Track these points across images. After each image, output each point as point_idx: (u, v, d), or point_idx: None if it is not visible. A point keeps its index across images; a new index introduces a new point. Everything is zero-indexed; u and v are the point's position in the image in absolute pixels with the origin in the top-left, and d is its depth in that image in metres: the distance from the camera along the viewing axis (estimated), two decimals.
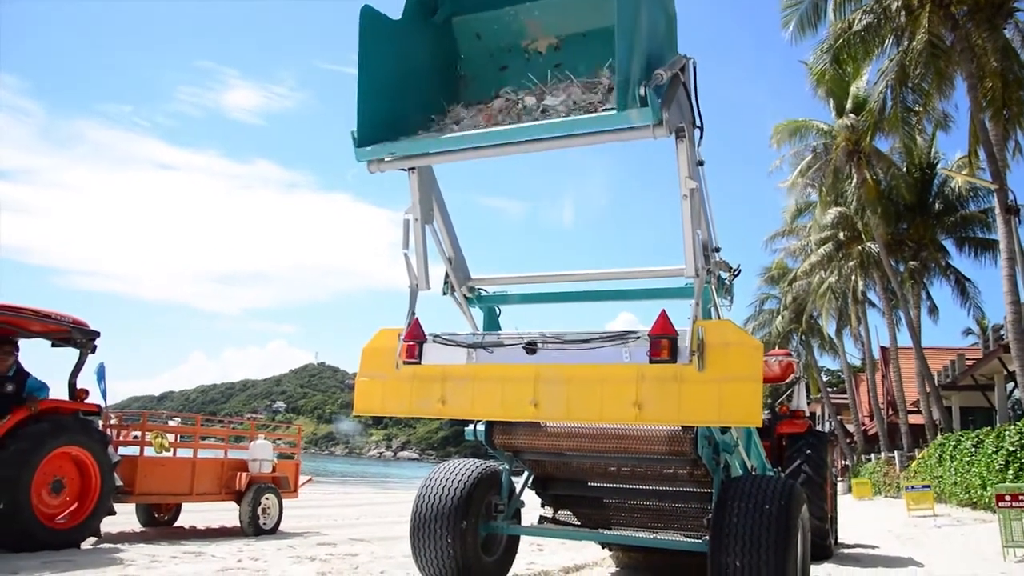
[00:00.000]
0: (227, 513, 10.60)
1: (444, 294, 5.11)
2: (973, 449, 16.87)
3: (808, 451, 9.13)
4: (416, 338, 4.46)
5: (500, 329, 5.16)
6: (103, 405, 8.63)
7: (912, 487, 17.84)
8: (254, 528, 9.57)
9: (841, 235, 32.84)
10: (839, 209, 31.01)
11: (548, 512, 6.04)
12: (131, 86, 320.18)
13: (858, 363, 45.84)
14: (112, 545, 7.76)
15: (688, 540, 5.20)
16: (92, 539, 7.81)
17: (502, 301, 5.35)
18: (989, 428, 17.59)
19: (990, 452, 15.49)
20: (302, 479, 11.78)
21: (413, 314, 4.60)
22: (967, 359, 28.09)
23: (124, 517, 9.37)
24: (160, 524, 9.88)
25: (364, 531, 10.80)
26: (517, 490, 5.79)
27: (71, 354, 8.00)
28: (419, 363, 4.44)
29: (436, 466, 5.83)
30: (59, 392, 7.72)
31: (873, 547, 10.63)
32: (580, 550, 8.11)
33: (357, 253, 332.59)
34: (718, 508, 4.51)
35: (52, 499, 7.21)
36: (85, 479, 7.47)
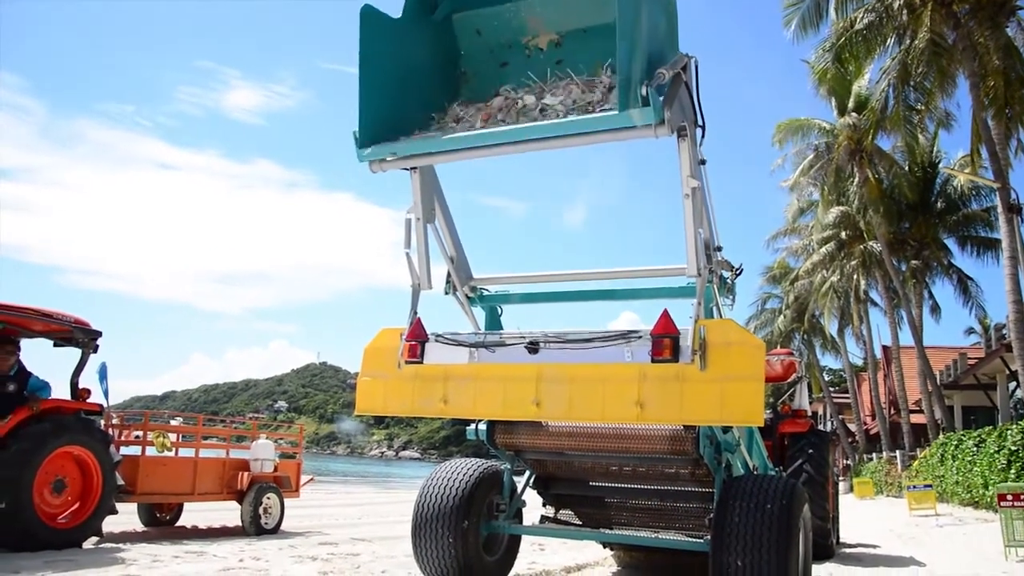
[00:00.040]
0: (229, 513, 10.60)
1: (446, 293, 5.11)
2: (975, 448, 16.85)
3: (810, 450, 9.12)
4: (418, 337, 4.46)
5: (502, 329, 5.16)
6: (105, 405, 8.64)
7: (914, 486, 17.82)
8: (256, 528, 9.57)
9: (843, 234, 32.81)
10: (841, 208, 30.97)
11: (549, 512, 6.03)
12: (132, 86, 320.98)
13: (860, 362, 45.92)
14: (114, 545, 7.76)
15: (690, 540, 5.19)
16: (94, 539, 7.81)
17: (504, 300, 5.35)
18: (991, 427, 17.56)
19: (992, 451, 15.48)
20: (304, 479, 11.78)
21: (415, 313, 4.59)
22: (969, 358, 28.05)
23: (126, 517, 9.38)
24: (162, 524, 9.89)
25: (366, 531, 10.80)
26: (519, 490, 5.79)
27: (73, 354, 8.01)
28: (421, 363, 4.44)
29: (438, 466, 5.83)
30: (61, 392, 7.74)
31: (875, 546, 10.62)
32: (581, 549, 8.11)
33: (359, 253, 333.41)
34: (720, 507, 4.51)
35: (54, 499, 7.22)
36: (87, 479, 7.48)
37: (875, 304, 37.29)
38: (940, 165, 30.40)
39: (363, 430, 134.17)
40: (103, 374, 8.91)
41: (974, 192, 29.23)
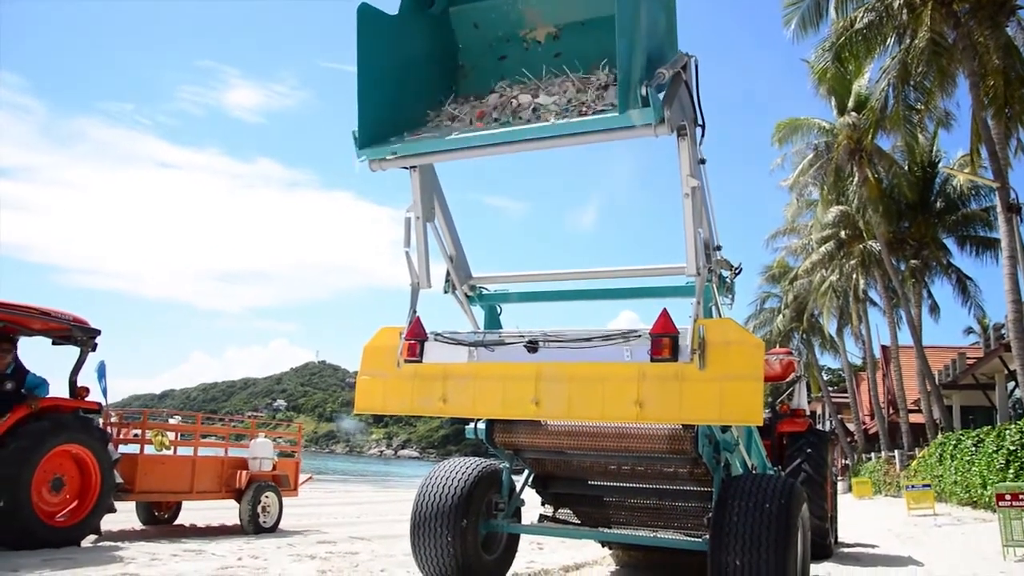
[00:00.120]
0: (227, 511, 10.59)
1: (445, 292, 5.11)
2: (974, 448, 16.87)
3: (809, 450, 9.12)
4: (417, 336, 4.46)
5: (501, 328, 5.16)
6: (104, 403, 8.63)
7: (912, 486, 17.83)
8: (254, 526, 9.58)
9: (842, 233, 32.83)
10: (840, 207, 30.98)
11: (548, 511, 6.04)
12: (132, 85, 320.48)
13: (859, 362, 45.92)
14: (112, 543, 7.76)
15: (688, 539, 5.20)
16: (92, 537, 7.80)
17: (503, 300, 5.35)
18: (990, 427, 17.58)
19: (990, 451, 15.49)
20: (302, 477, 11.78)
21: (414, 312, 4.59)
22: (968, 358, 28.08)
23: (124, 515, 9.38)
24: (160, 522, 9.88)
25: (364, 529, 10.80)
26: (517, 488, 5.79)
27: (72, 352, 8.01)
28: (420, 361, 4.43)
29: (436, 464, 5.83)
30: (59, 390, 7.73)
31: (873, 546, 10.63)
32: (580, 548, 8.11)
33: (358, 251, 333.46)
34: (718, 507, 4.51)
35: (52, 497, 7.21)
36: (85, 477, 7.48)
37: (874, 304, 37.36)
38: (940, 165, 30.41)
39: (362, 429, 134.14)
40: (102, 372, 8.91)
41: (973, 192, 29.25)
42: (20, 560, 6.17)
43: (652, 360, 3.87)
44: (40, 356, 8.66)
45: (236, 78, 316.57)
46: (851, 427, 42.16)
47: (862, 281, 33.80)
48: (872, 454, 35.87)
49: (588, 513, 5.94)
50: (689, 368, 3.79)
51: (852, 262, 32.61)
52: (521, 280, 5.31)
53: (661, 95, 3.62)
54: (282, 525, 10.17)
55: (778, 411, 10.04)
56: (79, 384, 7.95)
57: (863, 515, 18.10)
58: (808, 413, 10.50)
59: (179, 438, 10.12)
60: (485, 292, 5.27)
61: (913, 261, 31.11)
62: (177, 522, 10.11)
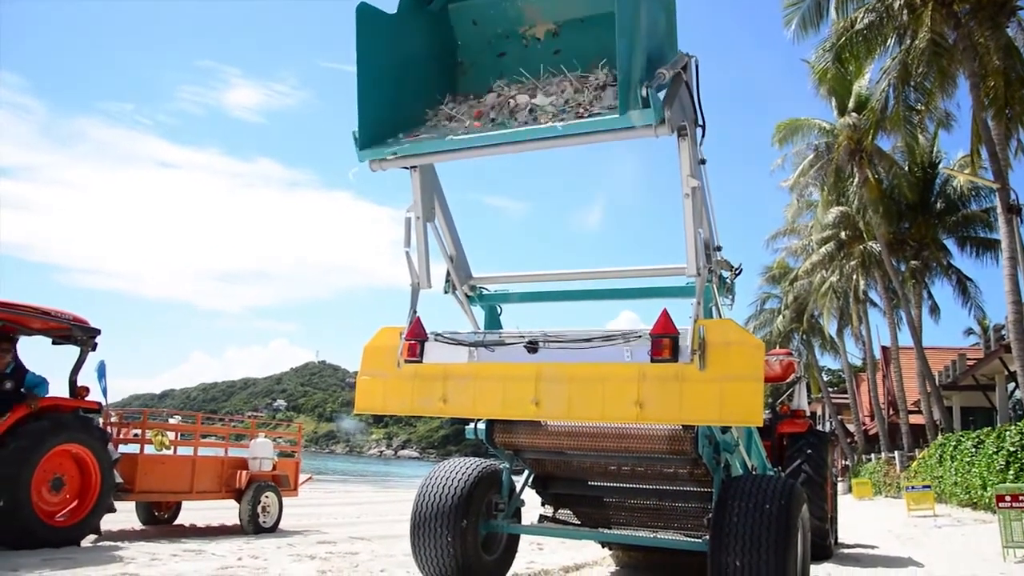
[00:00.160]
0: (227, 511, 10.59)
1: (445, 292, 5.10)
2: (974, 449, 16.86)
3: (809, 451, 9.13)
4: (417, 336, 4.46)
5: (501, 328, 5.16)
6: (103, 403, 8.63)
7: (912, 487, 17.84)
8: (254, 526, 9.58)
9: (842, 234, 32.83)
10: (841, 208, 30.99)
11: (548, 511, 6.04)
12: (132, 85, 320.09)
13: (859, 363, 45.87)
14: (112, 543, 7.76)
15: (688, 539, 5.20)
16: (92, 537, 7.80)
17: (503, 300, 5.34)
18: (990, 428, 17.58)
19: (991, 452, 15.48)
20: (302, 477, 11.78)
21: (414, 312, 4.59)
22: (968, 359, 28.04)
23: (124, 515, 9.38)
24: (160, 522, 9.88)
25: (364, 529, 10.80)
26: (517, 489, 5.79)
27: (72, 352, 8.01)
28: (420, 362, 4.43)
29: (436, 465, 5.83)
30: (59, 390, 7.73)
31: (873, 547, 10.63)
32: (580, 549, 8.11)
33: (359, 251, 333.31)
34: (718, 507, 4.51)
35: (52, 496, 7.21)
36: (85, 477, 7.47)
37: (874, 304, 37.36)
38: (940, 165, 30.42)
39: (362, 429, 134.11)
40: (102, 372, 8.91)
41: (974, 193, 29.25)
42: (20, 560, 6.17)
43: (652, 361, 3.87)
44: (40, 356, 8.67)
45: (236, 78, 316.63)
46: (851, 428, 42.14)
47: (862, 282, 33.80)
48: (872, 455, 35.86)
49: (588, 513, 5.94)
50: (689, 369, 3.79)
51: (852, 263, 32.61)
52: (521, 280, 5.30)
53: (661, 95, 3.62)
54: (282, 525, 10.17)
55: (778, 412, 10.04)
56: (79, 384, 7.95)
57: (863, 516, 18.10)
58: (808, 414, 10.50)
59: (179, 438, 10.12)
60: (485, 292, 5.27)
61: (913, 262, 31.11)
62: (177, 522, 10.11)
